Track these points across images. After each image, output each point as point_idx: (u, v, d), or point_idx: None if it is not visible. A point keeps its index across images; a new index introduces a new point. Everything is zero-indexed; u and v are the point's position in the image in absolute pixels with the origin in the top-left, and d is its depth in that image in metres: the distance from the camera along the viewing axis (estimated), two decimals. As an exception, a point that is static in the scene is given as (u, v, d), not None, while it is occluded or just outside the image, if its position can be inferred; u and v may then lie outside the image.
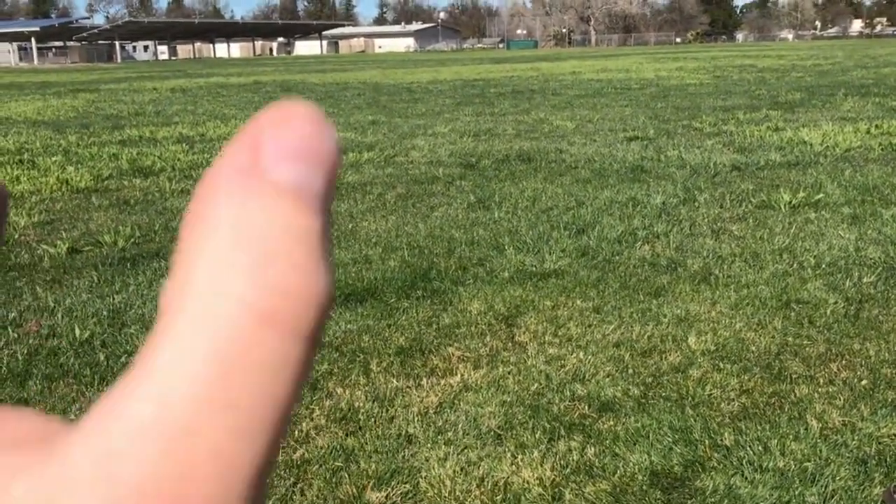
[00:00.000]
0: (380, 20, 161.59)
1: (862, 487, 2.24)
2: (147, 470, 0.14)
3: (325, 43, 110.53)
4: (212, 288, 0.15)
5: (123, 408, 0.15)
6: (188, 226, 0.16)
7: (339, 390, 2.87)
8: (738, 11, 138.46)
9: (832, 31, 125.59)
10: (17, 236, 5.12)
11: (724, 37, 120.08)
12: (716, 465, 2.36)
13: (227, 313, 0.15)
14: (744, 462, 2.36)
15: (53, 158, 8.26)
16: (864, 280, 3.88)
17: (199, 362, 0.15)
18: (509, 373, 2.99)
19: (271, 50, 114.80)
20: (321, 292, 0.16)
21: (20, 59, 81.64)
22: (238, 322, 0.15)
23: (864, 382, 2.84)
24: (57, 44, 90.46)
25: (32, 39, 77.48)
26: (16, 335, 3.45)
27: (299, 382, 0.16)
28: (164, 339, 0.15)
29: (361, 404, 2.77)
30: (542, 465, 2.37)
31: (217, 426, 0.15)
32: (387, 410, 2.73)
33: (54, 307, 3.78)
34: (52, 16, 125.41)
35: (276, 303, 0.15)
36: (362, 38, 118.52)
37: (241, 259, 0.15)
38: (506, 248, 4.57)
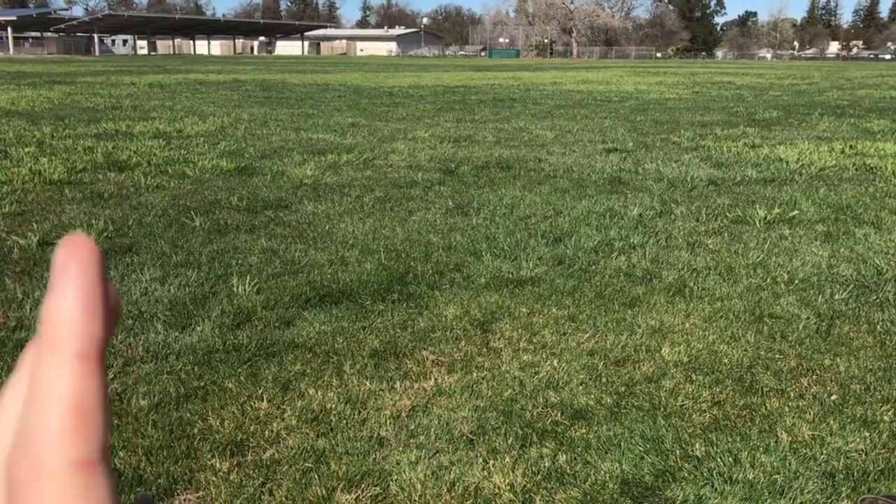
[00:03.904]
0: (362, 23, 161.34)
1: (830, 501, 2.26)
2: None
3: (306, 44, 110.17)
4: None
5: None
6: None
7: (311, 391, 2.84)
8: (718, 29, 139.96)
9: (810, 51, 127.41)
10: (-14, 226, 5.03)
11: (703, 53, 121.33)
12: (686, 475, 2.36)
13: None
14: (714, 473, 2.36)
15: (27, 149, 8.13)
16: (836, 297, 3.92)
17: None
18: (483, 378, 2.98)
19: (252, 48, 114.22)
20: None
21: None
22: None
23: (833, 397, 2.86)
24: (34, 34, 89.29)
25: (9, 29, 76.36)
26: (-18, 326, 3.39)
27: None
28: None
29: (333, 406, 2.74)
30: (513, 471, 2.36)
31: None
32: (359, 412, 2.71)
33: (23, 299, 3.71)
34: (30, 6, 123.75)
35: None
36: (344, 41, 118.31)
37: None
38: (483, 254, 4.57)
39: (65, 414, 0.18)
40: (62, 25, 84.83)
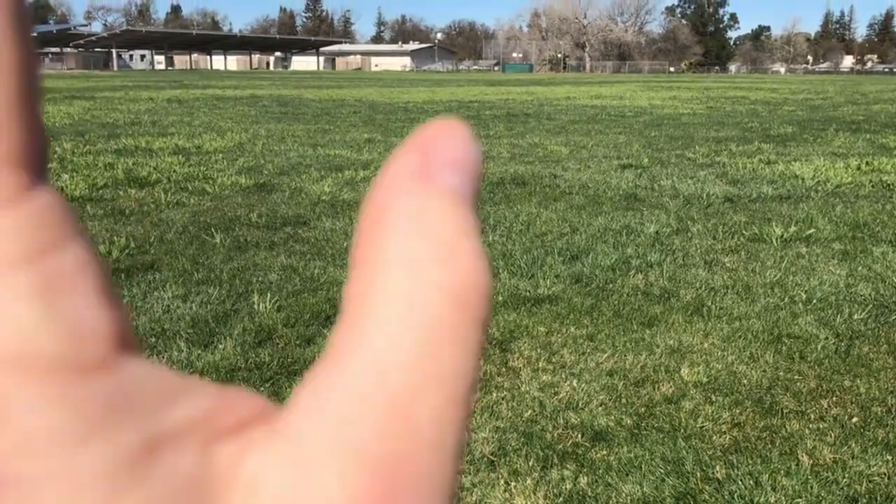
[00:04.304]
0: (377, 39, 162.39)
1: (852, 525, 2.26)
2: (374, 435, 0.16)
3: (321, 59, 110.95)
4: (408, 274, 0.17)
5: (338, 381, 0.16)
6: (370, 216, 0.17)
7: (333, 410, 2.87)
8: (731, 43, 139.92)
9: (824, 65, 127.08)
10: (10, 243, 5.10)
11: (717, 68, 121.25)
12: (707, 498, 2.37)
13: (428, 297, 0.17)
14: (735, 496, 2.37)
15: (48, 166, 8.22)
16: (855, 317, 3.92)
17: (410, 339, 0.16)
18: (503, 398, 3.00)
19: (268, 64, 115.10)
20: (490, 284, 0.18)
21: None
22: (440, 305, 0.17)
23: (854, 420, 2.86)
24: (54, 49, 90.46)
25: (29, 44, 77.28)
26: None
27: (479, 366, 0.17)
28: (368, 321, 0.16)
29: (355, 425, 2.76)
30: (534, 493, 2.38)
31: (431, 395, 0.16)
32: (380, 432, 2.73)
33: (47, 316, 3.76)
34: (50, 22, 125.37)
35: (467, 290, 0.17)
36: (359, 56, 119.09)
37: (429, 249, 0.17)
38: (500, 271, 4.59)
39: None
40: (81, 41, 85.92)
